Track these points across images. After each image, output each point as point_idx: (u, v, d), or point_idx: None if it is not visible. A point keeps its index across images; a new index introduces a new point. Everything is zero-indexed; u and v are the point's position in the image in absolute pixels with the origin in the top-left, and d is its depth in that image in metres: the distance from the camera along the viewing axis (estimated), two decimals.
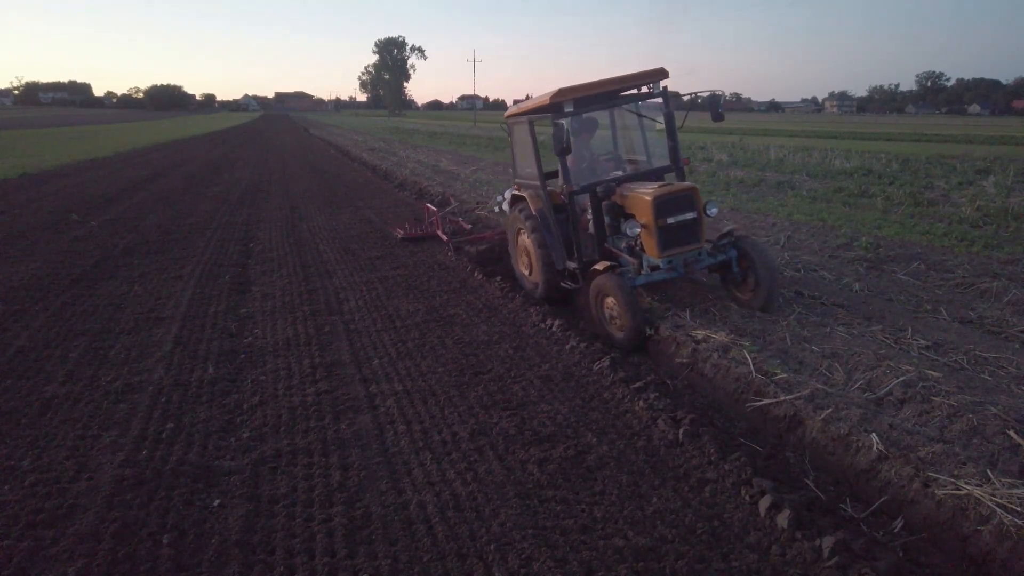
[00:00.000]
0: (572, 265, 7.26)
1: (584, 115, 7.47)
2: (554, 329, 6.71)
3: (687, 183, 6.72)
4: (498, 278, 8.57)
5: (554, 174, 7.56)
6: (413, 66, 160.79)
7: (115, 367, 5.93)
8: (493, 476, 4.12)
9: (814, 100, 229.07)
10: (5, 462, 4.33)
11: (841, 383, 5.13)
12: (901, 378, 5.03)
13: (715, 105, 6.98)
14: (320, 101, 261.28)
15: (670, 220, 6.38)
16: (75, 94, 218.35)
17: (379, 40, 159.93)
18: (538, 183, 7.42)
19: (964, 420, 4.47)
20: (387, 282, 8.78)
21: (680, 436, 4.47)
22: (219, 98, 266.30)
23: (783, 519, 3.55)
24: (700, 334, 6.05)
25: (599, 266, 6.53)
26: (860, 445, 4.24)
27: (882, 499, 3.89)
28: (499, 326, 6.96)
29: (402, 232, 11.74)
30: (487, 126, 69.45)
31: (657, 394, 5.11)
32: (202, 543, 3.54)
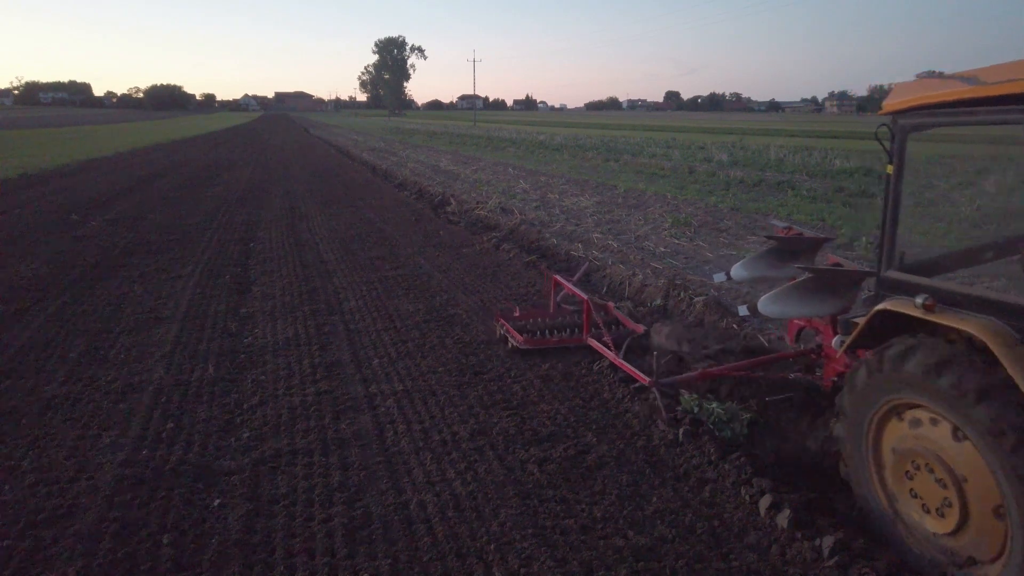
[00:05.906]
0: None
1: None
2: None
3: None
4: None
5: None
6: (413, 66, 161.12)
7: (115, 367, 5.92)
8: (493, 476, 4.12)
9: (814, 100, 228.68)
10: (5, 462, 4.32)
11: None
12: None
13: None
14: (320, 101, 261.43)
15: None
16: (75, 94, 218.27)
17: (379, 40, 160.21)
18: None
19: None
20: (387, 282, 8.77)
21: (680, 436, 4.46)
22: (219, 98, 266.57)
23: (783, 519, 3.55)
24: None
25: None
26: None
27: None
28: None
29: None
30: (487, 126, 69.44)
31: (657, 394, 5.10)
32: (202, 543, 3.54)
